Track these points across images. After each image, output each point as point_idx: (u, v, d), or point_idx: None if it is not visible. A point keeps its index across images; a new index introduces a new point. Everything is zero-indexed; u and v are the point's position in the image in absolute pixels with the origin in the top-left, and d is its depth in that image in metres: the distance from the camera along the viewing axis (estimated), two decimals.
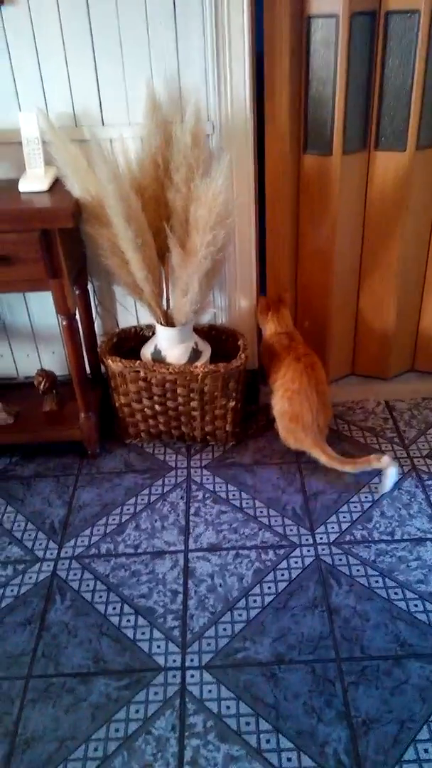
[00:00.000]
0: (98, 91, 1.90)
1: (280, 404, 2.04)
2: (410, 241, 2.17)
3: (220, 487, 2.06)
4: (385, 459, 1.96)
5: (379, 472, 2.02)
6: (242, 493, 2.04)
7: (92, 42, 1.83)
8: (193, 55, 1.85)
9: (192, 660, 1.55)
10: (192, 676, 1.52)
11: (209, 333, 2.28)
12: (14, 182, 1.89)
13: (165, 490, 2.06)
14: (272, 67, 1.93)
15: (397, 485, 2.02)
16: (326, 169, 2.03)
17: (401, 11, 1.82)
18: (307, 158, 2.06)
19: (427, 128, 1.98)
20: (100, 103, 1.91)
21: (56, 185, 1.88)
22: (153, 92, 1.85)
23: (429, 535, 1.84)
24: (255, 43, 1.87)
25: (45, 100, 1.90)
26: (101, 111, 1.93)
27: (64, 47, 1.83)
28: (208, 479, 2.10)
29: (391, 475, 1.95)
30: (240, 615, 1.65)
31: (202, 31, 1.81)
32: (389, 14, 1.84)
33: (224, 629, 1.62)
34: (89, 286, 2.17)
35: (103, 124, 1.94)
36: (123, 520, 1.95)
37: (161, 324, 2.06)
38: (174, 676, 1.52)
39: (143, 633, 1.62)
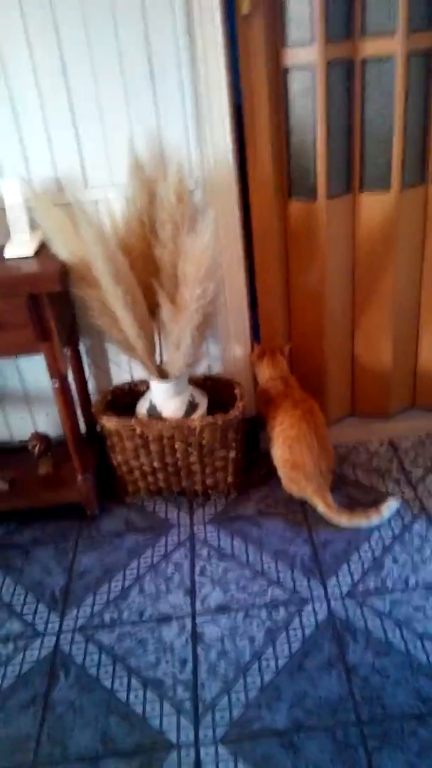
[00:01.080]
0: (80, 153, 1.91)
1: (280, 452, 1.99)
2: (401, 280, 2.16)
3: (225, 542, 2.00)
4: (383, 508, 1.94)
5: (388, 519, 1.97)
6: (248, 547, 1.98)
7: (70, 104, 1.84)
8: (172, 112, 1.87)
9: (205, 735, 1.47)
10: (206, 753, 1.44)
11: (205, 383, 2.25)
12: (0, 248, 1.89)
13: (168, 550, 2.00)
14: (252, 119, 1.95)
15: (407, 529, 1.96)
16: (312, 214, 2.03)
17: (377, 58, 1.84)
18: (293, 205, 2.06)
19: (410, 168, 1.99)
20: (82, 165, 1.92)
21: (42, 249, 1.87)
22: (134, 152, 1.86)
23: None
24: (234, 96, 1.89)
25: (27, 165, 1.91)
26: (84, 173, 1.93)
27: (42, 111, 1.85)
28: (212, 535, 2.04)
29: (390, 507, 1.93)
30: (253, 681, 1.57)
31: (180, 88, 1.83)
32: (365, 61, 1.86)
33: (237, 698, 1.54)
34: (81, 346, 2.15)
35: (86, 186, 1.95)
36: (126, 585, 1.88)
37: (155, 378, 2.03)
38: (187, 753, 1.44)
39: (153, 708, 1.55)
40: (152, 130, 1.88)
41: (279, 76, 1.90)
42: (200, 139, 1.89)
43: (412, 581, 1.79)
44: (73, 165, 1.92)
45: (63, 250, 1.81)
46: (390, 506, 1.93)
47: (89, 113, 1.86)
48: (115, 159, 1.91)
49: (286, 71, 1.89)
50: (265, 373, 2.12)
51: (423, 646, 1.60)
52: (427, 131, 1.97)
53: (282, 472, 2.02)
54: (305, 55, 1.83)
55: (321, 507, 1.96)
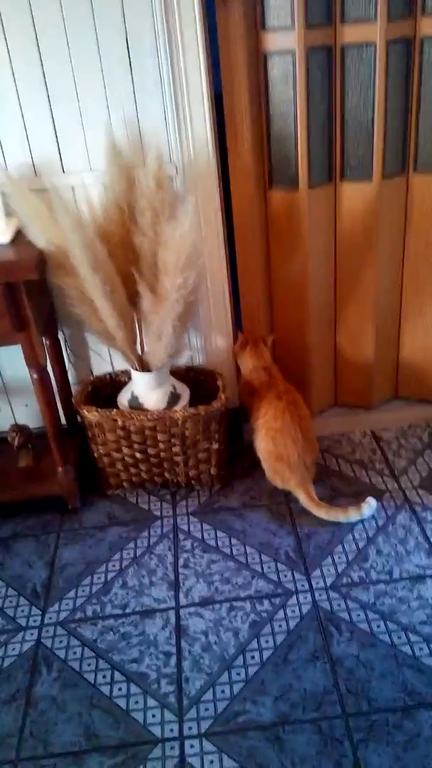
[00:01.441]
0: (56, 138, 1.86)
1: (264, 444, 1.98)
2: (383, 270, 2.15)
3: (209, 534, 1.98)
4: (363, 507, 1.93)
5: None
6: (232, 539, 1.96)
7: (46, 88, 1.80)
8: (150, 97, 1.83)
9: (190, 728, 1.46)
10: (191, 746, 1.42)
11: (187, 375, 2.22)
12: None
13: (151, 542, 1.97)
14: (232, 105, 1.92)
15: (391, 520, 1.96)
16: (293, 203, 2.01)
17: (357, 44, 1.82)
18: (274, 194, 2.04)
19: (392, 157, 1.97)
20: (59, 150, 1.88)
21: (19, 237, 1.83)
22: (112, 137, 1.82)
23: (428, 572, 1.77)
24: (213, 82, 1.86)
25: (2, 150, 1.86)
26: (61, 158, 1.89)
27: (18, 95, 1.80)
28: (195, 526, 2.02)
29: (370, 505, 1.92)
30: (238, 674, 1.56)
31: (158, 72, 1.79)
32: (345, 48, 1.84)
33: (222, 691, 1.53)
34: (60, 335, 2.11)
35: (63, 171, 1.90)
36: (109, 578, 1.86)
37: (137, 369, 2.00)
38: (172, 747, 1.43)
39: (137, 702, 1.53)
40: (131, 115, 1.84)
41: (259, 61, 1.87)
42: (179, 125, 1.85)
43: (396, 572, 1.78)
44: (49, 150, 1.87)
45: (39, 238, 1.77)
46: (370, 505, 1.92)
47: (66, 97, 1.81)
48: (93, 144, 1.87)
49: (265, 57, 1.85)
50: (248, 363, 2.10)
51: (408, 638, 1.59)
52: (408, 120, 1.95)
53: (266, 463, 2.01)
54: (285, 40, 1.80)
55: (303, 499, 1.95)
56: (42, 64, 1.77)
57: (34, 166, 1.89)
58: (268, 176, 2.02)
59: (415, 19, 1.82)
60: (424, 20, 1.81)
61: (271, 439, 1.94)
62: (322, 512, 1.92)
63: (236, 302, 2.23)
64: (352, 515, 1.91)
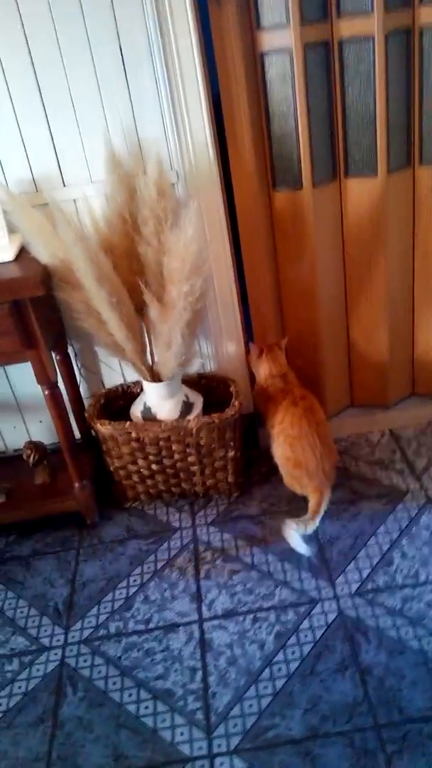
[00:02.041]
0: (55, 151, 1.84)
1: (281, 450, 1.94)
2: (394, 265, 2.10)
3: (229, 544, 1.95)
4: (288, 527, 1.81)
5: (393, 505, 1.92)
6: (253, 547, 1.93)
7: (42, 102, 1.78)
8: (148, 104, 1.81)
9: (219, 745, 1.43)
10: (221, 763, 1.40)
11: (199, 382, 2.19)
12: None
13: (171, 555, 1.95)
14: (230, 108, 1.89)
15: (415, 521, 1.91)
16: (298, 203, 1.98)
17: (354, 38, 1.78)
18: (278, 195, 2.00)
19: (396, 150, 1.93)
20: (59, 163, 1.86)
21: (22, 253, 1.81)
22: (111, 147, 1.80)
23: None
24: (210, 85, 1.83)
25: (1, 167, 1.85)
26: (61, 172, 1.87)
27: (14, 111, 1.78)
28: (215, 536, 1.99)
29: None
30: (265, 687, 1.53)
31: (154, 79, 1.77)
32: (342, 43, 1.80)
33: (250, 706, 1.50)
34: (69, 350, 2.09)
35: (64, 185, 1.88)
36: (130, 593, 1.84)
37: (148, 380, 1.98)
38: (202, 765, 1.40)
39: (164, 720, 1.50)
40: (128, 123, 1.82)
41: (255, 61, 1.84)
42: (178, 131, 1.83)
43: (422, 576, 1.74)
44: (48, 164, 1.86)
45: (43, 253, 1.75)
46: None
47: (62, 109, 1.79)
48: (92, 155, 1.85)
49: (262, 56, 1.82)
50: (266, 370, 2.05)
51: None
52: (410, 112, 1.91)
53: (284, 470, 1.97)
54: (281, 38, 1.77)
55: (312, 504, 1.86)
56: (36, 78, 1.75)
57: (34, 181, 1.87)
58: (271, 177, 1.99)
59: (413, 8, 1.78)
60: (423, 9, 1.77)
61: (289, 445, 1.90)
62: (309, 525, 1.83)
63: (245, 306, 2.20)
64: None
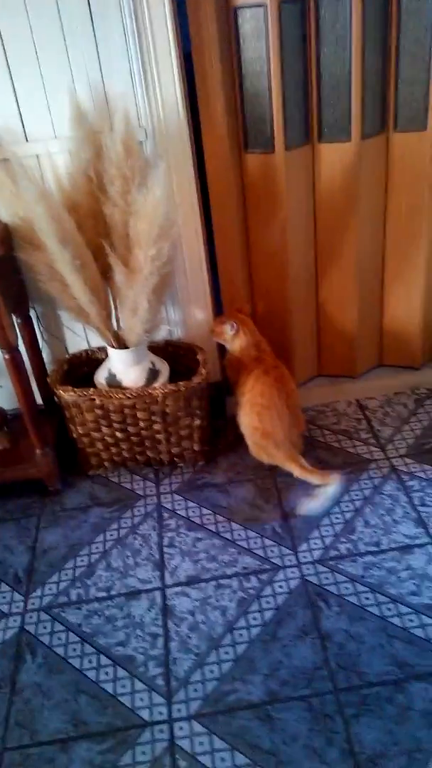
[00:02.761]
0: (17, 104, 1.76)
1: (248, 419, 1.92)
2: (365, 233, 2.08)
3: (194, 512, 1.94)
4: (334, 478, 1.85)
5: (358, 474, 1.93)
6: (217, 515, 1.92)
7: (5, 54, 1.69)
8: (116, 58, 1.73)
9: (179, 710, 1.43)
10: (181, 728, 1.40)
11: (166, 349, 2.16)
12: None
13: (135, 522, 1.93)
14: (202, 64, 1.82)
15: (378, 490, 1.93)
16: (270, 166, 1.93)
17: None
18: (250, 157, 1.95)
19: (371, 116, 1.89)
20: (21, 117, 1.78)
21: None
22: (76, 101, 1.72)
23: (417, 541, 1.75)
24: (181, 41, 1.76)
25: None
26: (23, 125, 1.79)
27: None
28: (179, 504, 1.98)
29: (328, 493, 1.84)
30: (227, 653, 1.53)
31: (122, 32, 1.69)
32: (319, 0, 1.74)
33: (211, 671, 1.50)
34: (32, 313, 2.03)
35: (26, 139, 1.80)
36: (92, 561, 1.82)
37: (113, 347, 1.94)
38: (161, 730, 1.40)
39: (124, 686, 1.50)
40: (95, 76, 1.74)
41: (229, 15, 1.77)
42: (147, 87, 1.76)
43: (384, 543, 1.75)
44: (9, 117, 1.77)
45: (3, 211, 1.68)
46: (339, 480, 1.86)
47: (25, 60, 1.71)
48: (57, 109, 1.77)
49: (236, 10, 1.76)
50: (243, 343, 1.99)
51: (398, 609, 1.57)
52: (386, 76, 1.87)
53: (251, 440, 1.95)
54: None
55: (296, 471, 1.88)
56: None
57: None
58: (243, 138, 1.94)
59: None
60: None
61: (256, 414, 1.88)
62: (317, 478, 1.86)
63: (214, 272, 2.15)
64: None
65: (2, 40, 1.68)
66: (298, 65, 1.82)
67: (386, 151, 1.98)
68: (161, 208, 1.65)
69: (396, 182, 2.02)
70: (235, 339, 2.00)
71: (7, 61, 1.70)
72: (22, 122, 1.79)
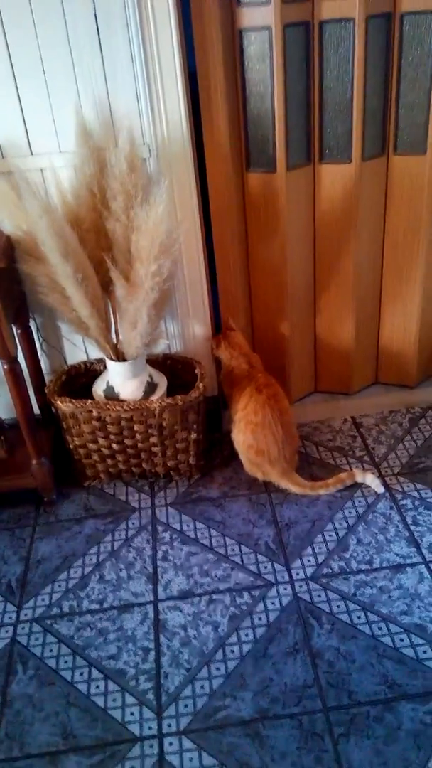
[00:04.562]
0: (23, 118, 1.78)
1: (242, 437, 1.94)
2: (363, 253, 2.11)
3: (188, 526, 1.95)
4: (359, 473, 1.94)
5: (351, 492, 1.94)
6: (211, 530, 1.93)
7: (12, 68, 1.71)
8: (122, 76, 1.75)
9: (169, 725, 1.44)
10: (170, 744, 1.40)
11: (164, 363, 2.17)
12: None
13: (129, 535, 1.94)
14: (207, 84, 1.85)
15: (371, 508, 1.94)
16: (271, 186, 1.95)
17: (335, 19, 1.76)
18: (251, 176, 1.98)
19: (371, 138, 1.92)
20: (27, 131, 1.80)
21: None
22: (82, 117, 1.75)
23: (408, 561, 1.76)
24: (187, 60, 1.79)
25: None
26: (28, 139, 1.81)
27: None
28: (174, 518, 1.99)
29: (372, 481, 1.95)
30: (218, 669, 1.54)
31: (129, 50, 1.72)
32: (323, 24, 1.77)
33: (202, 687, 1.50)
34: (31, 324, 2.04)
35: (31, 153, 1.82)
36: (86, 572, 1.82)
37: (112, 359, 1.95)
38: (151, 745, 1.40)
39: (114, 699, 1.50)
40: (101, 93, 1.77)
41: (234, 37, 1.80)
42: (152, 105, 1.78)
43: (376, 562, 1.77)
44: (15, 130, 1.79)
45: (7, 223, 1.70)
46: (376, 483, 1.95)
47: (32, 75, 1.73)
48: (62, 125, 1.79)
49: (241, 33, 1.78)
50: (226, 355, 2.04)
51: (388, 628, 1.58)
52: (387, 100, 1.90)
53: (245, 457, 1.97)
54: (261, 16, 1.73)
55: (294, 489, 1.92)
56: (6, 40, 1.68)
57: (0, 147, 1.81)
58: (245, 158, 1.96)
59: None
60: None
61: (251, 432, 1.90)
62: (321, 490, 1.94)
63: (213, 287, 2.17)
64: (357, 478, 1.98)
65: (9, 53, 1.70)
66: (301, 87, 1.85)
67: (386, 173, 2.01)
68: (163, 225, 1.67)
69: (395, 204, 2.05)
70: (220, 353, 2.05)
71: (13, 73, 1.73)
72: (27, 136, 1.81)
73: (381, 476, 2.06)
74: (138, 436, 1.99)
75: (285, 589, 1.72)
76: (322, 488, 1.94)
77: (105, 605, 1.72)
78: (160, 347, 2.16)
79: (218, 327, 2.19)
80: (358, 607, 1.64)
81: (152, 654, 1.59)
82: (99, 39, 1.71)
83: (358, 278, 2.13)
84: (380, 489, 1.95)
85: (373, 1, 1.73)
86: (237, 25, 1.78)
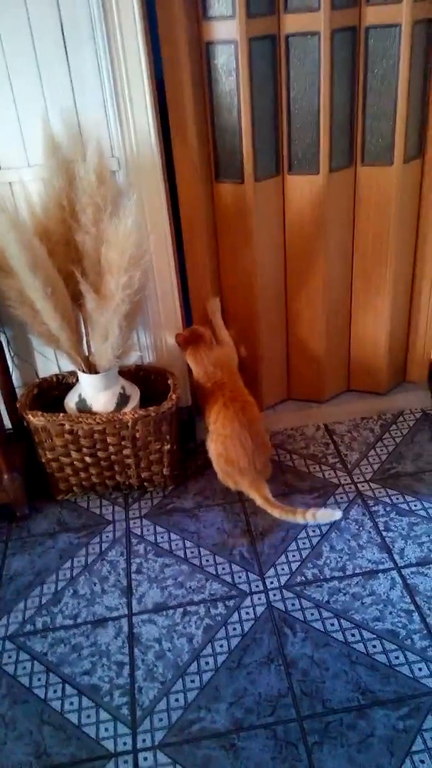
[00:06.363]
0: None
1: (214, 447, 1.94)
2: (333, 262, 2.13)
3: (162, 537, 1.95)
4: (318, 514, 1.82)
5: (324, 499, 1.95)
6: (186, 541, 1.93)
7: None
8: (89, 87, 1.75)
9: (144, 740, 1.43)
10: (145, 759, 1.39)
11: (137, 374, 2.17)
12: None
13: (103, 548, 1.93)
14: (175, 96, 1.86)
15: (345, 514, 1.95)
16: (240, 196, 1.97)
17: (301, 33, 1.78)
18: (221, 187, 1.99)
19: (338, 149, 1.94)
20: None
21: None
22: (50, 130, 1.74)
23: (381, 566, 1.78)
24: (155, 72, 1.79)
25: None
26: None
27: None
28: (148, 530, 1.98)
29: (327, 516, 1.85)
30: (192, 681, 1.54)
31: (96, 62, 1.72)
32: (289, 37, 1.79)
33: (176, 700, 1.50)
34: (1, 337, 2.03)
35: None
36: (59, 588, 1.81)
37: (83, 371, 1.94)
38: (126, 761, 1.40)
39: (89, 716, 1.49)
40: (68, 105, 1.77)
41: (201, 50, 1.81)
42: (120, 116, 1.78)
43: (349, 569, 1.78)
44: None
45: None
46: (328, 515, 1.84)
47: None
48: (30, 138, 1.79)
49: (208, 46, 1.80)
50: (191, 361, 2.04)
51: (361, 635, 1.59)
52: (354, 112, 1.93)
53: (217, 465, 1.97)
54: (226, 30, 1.75)
55: (258, 500, 1.91)
56: None
57: None
58: (214, 168, 1.98)
59: (360, 8, 1.79)
60: (369, 9, 1.78)
61: (221, 443, 1.91)
62: (276, 512, 1.89)
63: (185, 298, 2.18)
64: (306, 518, 1.84)
65: None
66: (268, 100, 1.87)
67: (354, 184, 2.03)
68: (132, 237, 1.67)
69: (362, 213, 2.08)
70: (187, 359, 2.06)
71: None
72: None
73: (353, 482, 2.08)
74: (111, 449, 1.98)
75: (259, 598, 1.72)
76: (276, 510, 1.85)
77: (79, 620, 1.71)
78: (132, 359, 2.16)
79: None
80: (332, 615, 1.65)
81: (126, 668, 1.58)
82: (66, 50, 1.71)
83: (329, 287, 2.16)
84: (337, 515, 1.84)
85: (338, 15, 1.75)
86: (204, 38, 1.79)
